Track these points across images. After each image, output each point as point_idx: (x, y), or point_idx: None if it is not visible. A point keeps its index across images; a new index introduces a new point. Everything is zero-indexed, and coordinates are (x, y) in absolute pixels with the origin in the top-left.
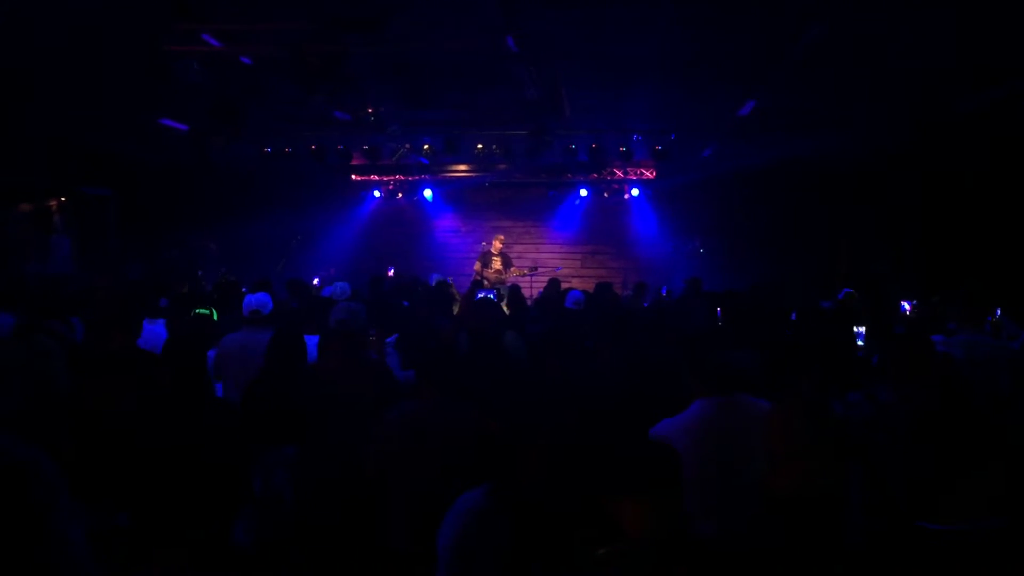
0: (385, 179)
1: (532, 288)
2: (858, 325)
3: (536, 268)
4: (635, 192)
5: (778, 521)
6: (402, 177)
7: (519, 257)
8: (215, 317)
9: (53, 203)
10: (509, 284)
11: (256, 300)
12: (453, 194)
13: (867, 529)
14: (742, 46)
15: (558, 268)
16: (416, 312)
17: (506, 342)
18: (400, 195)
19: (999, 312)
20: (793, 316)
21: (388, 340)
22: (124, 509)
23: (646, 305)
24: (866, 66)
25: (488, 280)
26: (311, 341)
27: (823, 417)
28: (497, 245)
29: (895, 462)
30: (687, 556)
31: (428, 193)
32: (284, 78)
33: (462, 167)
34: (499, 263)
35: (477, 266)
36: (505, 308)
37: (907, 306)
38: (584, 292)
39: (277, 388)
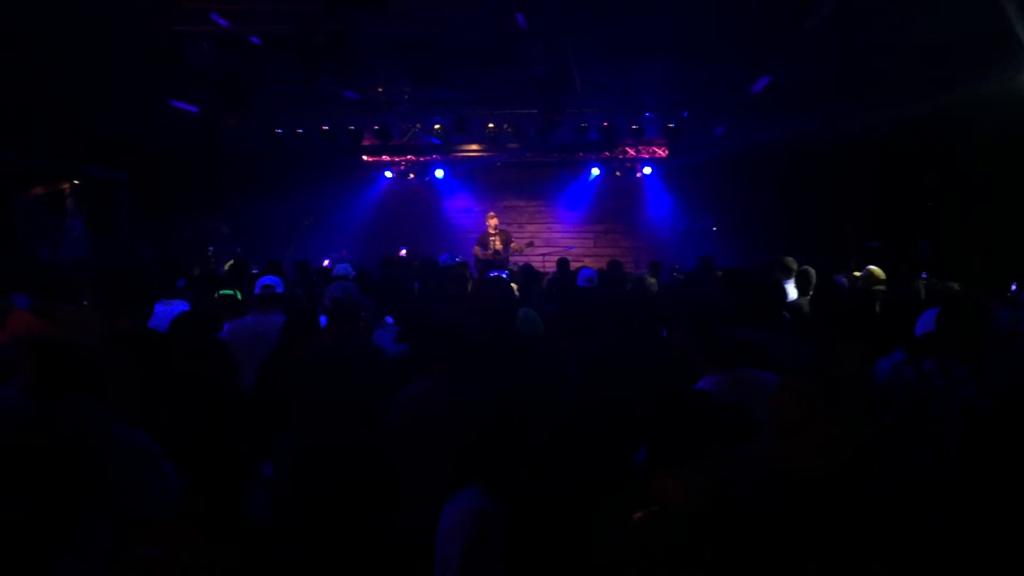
0: (396, 159)
1: (544, 268)
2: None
3: (532, 243)
4: (647, 170)
5: (786, 493)
6: (413, 157)
7: (532, 236)
8: (239, 297)
9: (66, 186)
10: (522, 264)
11: (269, 279)
12: (465, 174)
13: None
14: (755, 20)
15: (570, 247)
16: (427, 292)
17: (521, 319)
18: (411, 175)
19: (1015, 287)
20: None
21: (388, 320)
22: None
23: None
24: (881, 39)
25: (492, 261)
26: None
27: (836, 387)
28: (492, 222)
29: (950, 435)
30: (721, 524)
31: (439, 173)
32: (293, 57)
33: (473, 147)
34: (498, 242)
35: (476, 249)
36: (515, 289)
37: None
38: (596, 270)
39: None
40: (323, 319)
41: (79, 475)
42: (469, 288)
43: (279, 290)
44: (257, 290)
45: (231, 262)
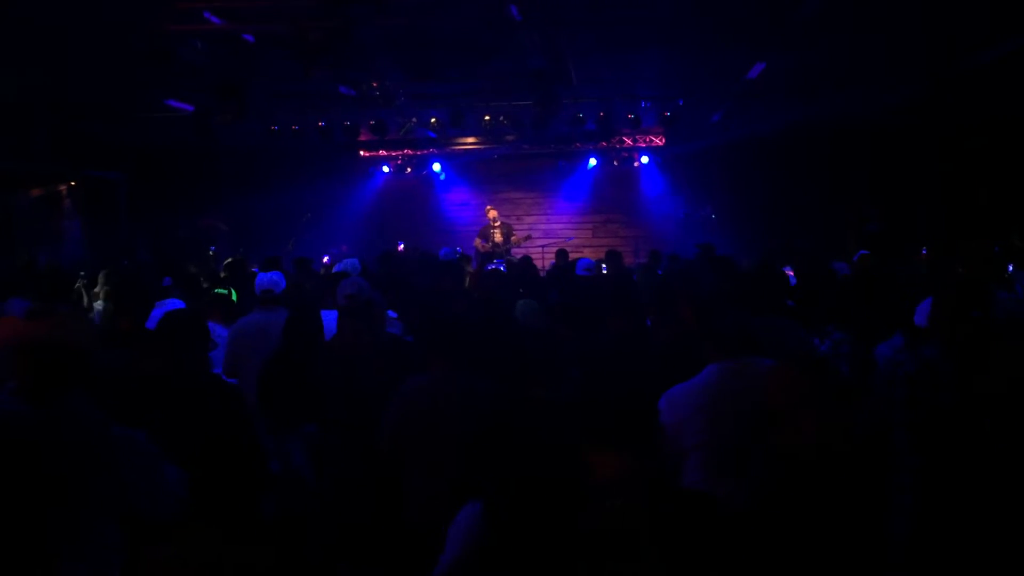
0: (393, 154)
1: (544, 259)
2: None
3: (530, 236)
4: (645, 160)
5: (787, 478)
6: (410, 152)
7: (531, 228)
8: (234, 298)
9: (63, 188)
10: (520, 256)
11: (268, 279)
12: (462, 167)
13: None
14: (749, 6)
15: (569, 238)
16: (426, 285)
17: (520, 311)
18: (409, 170)
19: (1011, 268)
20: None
21: (390, 313)
22: None
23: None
24: (877, 21)
25: (491, 254)
26: (329, 317)
27: (823, 371)
28: (492, 214)
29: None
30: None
31: (437, 167)
32: (287, 54)
33: (470, 140)
34: (499, 235)
35: (477, 242)
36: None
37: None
38: (595, 260)
39: (295, 367)
40: (330, 315)
41: (77, 477)
42: (467, 281)
43: (279, 291)
44: (257, 292)
45: (229, 260)
